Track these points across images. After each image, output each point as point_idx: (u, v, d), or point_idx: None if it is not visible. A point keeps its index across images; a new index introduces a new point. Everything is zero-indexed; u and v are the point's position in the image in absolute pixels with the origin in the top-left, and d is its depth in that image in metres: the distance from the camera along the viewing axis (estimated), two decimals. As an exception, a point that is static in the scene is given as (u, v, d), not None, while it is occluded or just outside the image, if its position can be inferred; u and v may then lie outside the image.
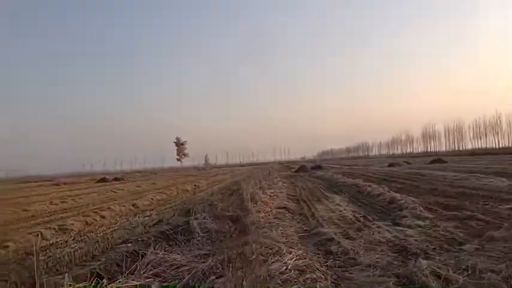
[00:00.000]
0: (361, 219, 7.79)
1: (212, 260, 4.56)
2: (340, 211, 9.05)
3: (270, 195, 11.51)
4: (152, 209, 12.50)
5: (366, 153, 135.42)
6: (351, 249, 5.28)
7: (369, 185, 13.52)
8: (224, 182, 26.21)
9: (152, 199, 15.70)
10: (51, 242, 7.77)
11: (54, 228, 9.02)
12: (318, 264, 4.32)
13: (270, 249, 4.71)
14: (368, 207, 9.43)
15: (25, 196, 23.03)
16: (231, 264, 3.66)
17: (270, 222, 7.04)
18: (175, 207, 12.47)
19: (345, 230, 6.76)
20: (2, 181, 77.23)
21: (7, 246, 7.20)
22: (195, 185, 22.85)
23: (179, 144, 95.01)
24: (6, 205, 16.29)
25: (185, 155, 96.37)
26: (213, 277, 3.93)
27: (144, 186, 25.42)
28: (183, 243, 6.17)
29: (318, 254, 5.16)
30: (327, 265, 4.60)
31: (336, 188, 15.14)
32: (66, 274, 3.54)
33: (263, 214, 7.99)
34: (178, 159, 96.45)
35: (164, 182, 29.60)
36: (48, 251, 6.78)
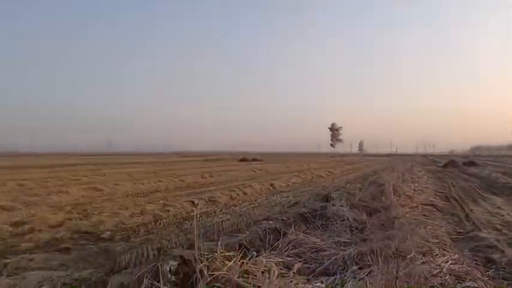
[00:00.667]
0: (532, 228, 6.52)
1: (353, 249, 4.42)
2: (503, 215, 7.76)
3: (414, 189, 10.60)
4: (289, 191, 12.87)
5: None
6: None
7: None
8: (361, 171, 25.32)
9: (288, 181, 16.18)
10: (203, 210, 8.70)
11: (205, 199, 10.05)
12: (479, 273, 3.75)
13: (419, 248, 4.30)
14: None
15: (182, 168, 26.44)
16: (380, 257, 3.44)
17: (416, 219, 6.46)
18: (310, 191, 12.60)
19: (510, 238, 5.76)
20: (166, 155, 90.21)
21: (168, 211, 8.34)
22: (329, 172, 22.68)
23: (333, 130, 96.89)
24: (168, 175, 18.95)
25: (339, 140, 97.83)
26: (355, 267, 3.79)
27: (280, 169, 26.41)
28: (321, 228, 6.15)
29: (476, 261, 4.50)
30: (489, 275, 3.97)
31: (495, 189, 13.05)
32: (219, 242, 3.85)
33: (407, 209, 7.39)
34: (332, 145, 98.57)
35: (299, 167, 30.22)
36: (200, 218, 7.60)
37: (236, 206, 9.42)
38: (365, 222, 6.19)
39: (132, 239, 5.86)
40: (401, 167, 21.36)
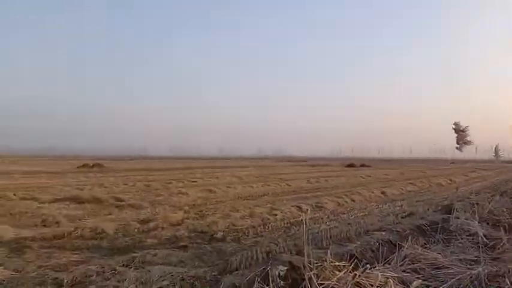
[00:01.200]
0: None
1: (483, 269, 3.85)
2: None
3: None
4: (402, 200, 11.97)
5: None
6: None
7: None
8: (489, 180, 22.32)
9: (402, 189, 15.08)
10: (309, 216, 8.61)
11: (311, 205, 9.94)
12: None
13: None
14: None
15: (287, 173, 26.77)
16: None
17: None
18: (428, 201, 11.52)
19: None
20: (270, 158, 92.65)
21: (275, 215, 8.45)
22: (450, 180, 20.49)
23: (458, 131, 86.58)
24: (275, 180, 19.35)
25: (466, 143, 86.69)
26: (487, 290, 3.29)
27: (391, 175, 24.85)
28: (441, 242, 5.54)
29: None
30: None
31: None
32: (329, 250, 3.72)
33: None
34: (458, 148, 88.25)
35: (413, 173, 28.02)
36: (304, 225, 7.51)
37: (344, 213, 9.10)
38: (497, 239, 5.37)
39: (243, 241, 6.07)
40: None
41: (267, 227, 7.26)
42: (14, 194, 11.48)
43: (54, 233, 6.28)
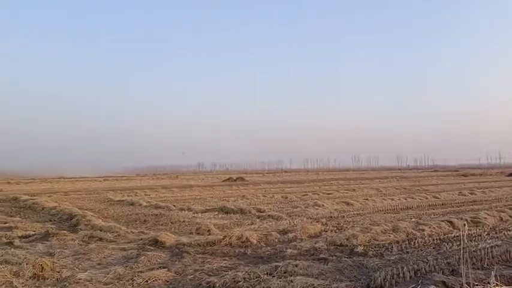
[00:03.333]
0: None
1: None
2: None
3: None
4: None
5: None
6: None
7: None
8: None
9: None
10: (463, 233, 7.60)
11: (466, 220, 8.78)
12: None
13: None
14: None
15: (434, 184, 24.29)
16: None
17: None
18: None
19: None
20: (412, 168, 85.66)
21: (422, 230, 7.70)
22: None
23: None
24: (418, 191, 17.78)
25: None
26: None
27: None
28: None
29: None
30: None
31: None
32: (493, 272, 3.22)
33: None
34: None
35: None
36: (461, 242, 6.65)
37: (509, 230, 7.75)
38: None
39: (386, 257, 5.70)
40: None
41: (413, 243, 6.68)
42: (174, 205, 13.22)
43: (207, 240, 6.98)
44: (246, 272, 4.63)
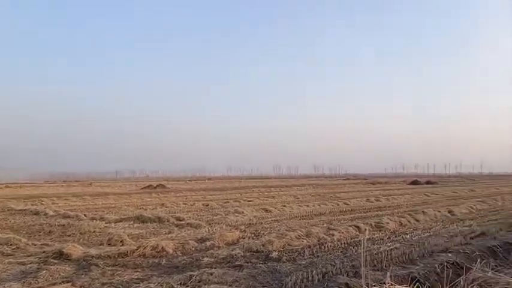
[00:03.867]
0: None
1: None
2: None
3: None
4: (471, 219, 11.07)
5: None
6: None
7: None
8: None
9: (471, 208, 13.96)
10: (368, 237, 8.25)
11: (371, 224, 9.55)
12: None
13: None
14: None
15: (345, 192, 26.02)
16: None
17: None
18: (501, 220, 10.55)
19: None
20: (327, 177, 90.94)
21: (332, 235, 8.21)
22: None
23: None
24: (331, 198, 18.91)
25: None
26: None
27: (460, 193, 23.15)
28: (517, 265, 5.04)
29: None
30: None
31: None
32: (388, 273, 3.54)
33: None
34: None
35: (484, 190, 25.90)
36: (362, 245, 7.20)
37: (407, 233, 8.61)
38: None
39: (298, 261, 5.96)
40: None
41: (323, 247, 7.08)
42: (85, 215, 12.35)
43: (119, 251, 6.63)
44: (159, 283, 4.50)
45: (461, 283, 3.97)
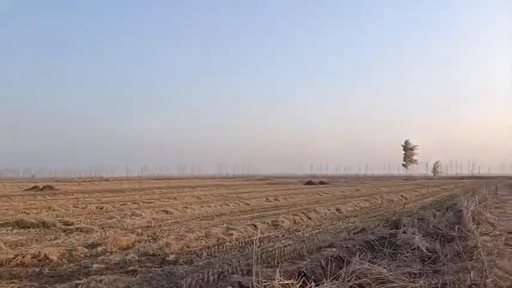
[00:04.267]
0: None
1: (424, 282, 4.03)
2: None
3: (498, 216, 9.53)
4: (355, 216, 12.32)
5: None
6: None
7: None
8: (437, 195, 23.53)
9: (356, 206, 15.52)
10: (264, 235, 8.62)
11: (268, 223, 9.98)
12: None
13: (503, 281, 3.80)
14: None
15: (247, 192, 26.74)
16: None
17: (499, 249, 5.76)
18: (379, 216, 11.93)
19: None
20: (231, 177, 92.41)
21: (231, 234, 8.39)
22: (401, 196, 21.37)
23: (407, 149, 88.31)
24: (233, 198, 19.26)
25: (413, 161, 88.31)
26: (426, 302, 3.44)
27: (347, 192, 25.53)
28: (388, 256, 5.74)
29: None
30: None
31: None
32: (277, 269, 3.74)
33: (489, 238, 6.64)
34: (404, 165, 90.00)
35: (368, 190, 28.96)
36: (262, 243, 7.52)
37: (299, 231, 9.21)
38: (439, 252, 5.65)
39: (195, 263, 5.95)
40: (483, 191, 19.43)
41: (221, 247, 7.18)
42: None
43: (-8, 261, 5.85)
44: (39, 294, 4.09)
45: (342, 275, 4.39)
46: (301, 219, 11.18)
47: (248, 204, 16.00)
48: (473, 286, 3.47)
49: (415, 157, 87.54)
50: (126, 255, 6.38)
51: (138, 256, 6.34)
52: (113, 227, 9.60)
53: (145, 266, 5.69)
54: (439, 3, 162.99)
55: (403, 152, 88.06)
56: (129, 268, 5.57)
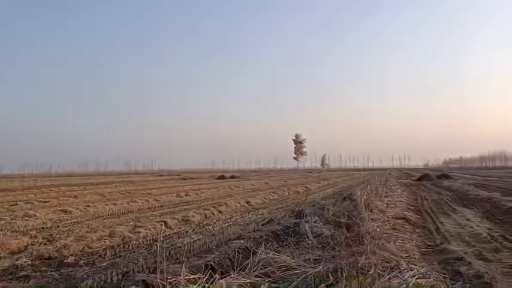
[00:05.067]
0: (499, 238, 6.67)
1: (323, 267, 4.37)
2: (472, 227, 7.90)
3: (387, 204, 10.71)
4: (264, 208, 12.79)
5: (504, 163, 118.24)
6: (486, 272, 4.50)
7: (510, 200, 11.57)
8: (336, 186, 25.54)
9: (265, 198, 16.10)
10: (174, 231, 8.49)
11: (178, 219, 9.82)
12: (444, 286, 3.75)
13: (387, 262, 4.30)
14: (508, 226, 8.05)
15: (157, 188, 25.95)
16: (344, 275, 3.41)
17: (387, 233, 6.49)
18: (286, 207, 12.55)
19: (477, 250, 5.84)
20: (140, 173, 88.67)
21: (139, 232, 8.09)
22: (306, 187, 22.74)
23: (297, 142, 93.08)
24: (142, 195, 18.54)
25: (302, 153, 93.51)
26: (323, 285, 3.74)
27: (257, 185, 26.32)
28: (293, 245, 6.08)
29: (444, 274, 4.52)
30: (455, 288, 3.98)
31: (466, 201, 13.37)
32: (183, 264, 3.73)
33: (379, 223, 7.43)
34: (295, 158, 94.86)
35: (276, 183, 30.21)
36: (171, 239, 7.40)
37: (210, 225, 9.25)
38: (336, 238, 6.16)
39: (97, 264, 5.62)
40: (375, 182, 21.63)
41: (127, 246, 6.88)
42: None
43: None
44: None
45: (249, 265, 4.54)
46: (212, 213, 11.25)
47: (158, 201, 15.54)
48: (363, 267, 3.86)
49: (304, 149, 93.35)
50: (17, 259, 5.77)
51: (32, 260, 5.77)
52: (1, 230, 8.56)
53: (40, 271, 5.20)
54: None
55: (294, 145, 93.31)
56: (21, 274, 5.04)
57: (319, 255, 5.34)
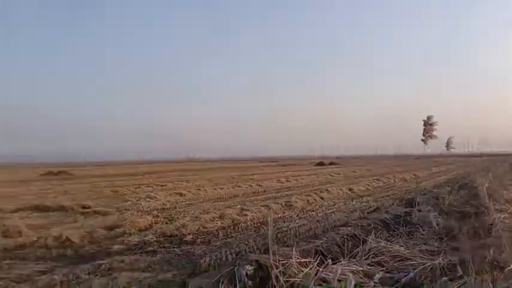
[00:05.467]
0: None
1: (443, 259, 4.04)
2: None
3: (514, 193, 9.43)
4: (369, 195, 12.32)
5: None
6: None
7: None
8: (451, 173, 23.33)
9: (368, 185, 15.49)
10: (279, 215, 8.70)
11: (281, 204, 10.04)
12: None
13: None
14: None
15: (258, 173, 26.88)
16: (473, 268, 3.11)
17: (517, 226, 5.73)
18: (393, 195, 11.92)
19: None
20: (245, 160, 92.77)
21: (246, 215, 8.48)
22: (414, 175, 21.25)
23: (427, 124, 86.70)
24: (246, 180, 19.39)
25: (432, 136, 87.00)
26: (445, 278, 3.46)
27: (359, 172, 25.46)
28: (404, 235, 5.76)
29: None
30: None
31: None
32: (294, 248, 3.79)
33: (506, 214, 6.59)
34: (423, 140, 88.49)
35: (380, 169, 28.84)
36: (277, 223, 7.60)
37: (313, 210, 9.26)
38: (455, 230, 5.64)
39: (212, 243, 6.06)
40: (497, 169, 19.19)
41: (237, 228, 7.28)
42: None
43: (16, 243, 6.05)
44: (64, 274, 4.22)
45: (359, 253, 4.43)
46: (314, 199, 11.23)
47: (260, 186, 16.09)
48: (493, 262, 3.47)
49: (434, 132, 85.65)
50: (145, 236, 6.53)
51: (156, 237, 6.48)
52: (129, 210, 9.77)
53: (164, 247, 5.81)
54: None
55: (424, 127, 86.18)
56: (149, 248, 5.70)
57: (436, 247, 4.97)
